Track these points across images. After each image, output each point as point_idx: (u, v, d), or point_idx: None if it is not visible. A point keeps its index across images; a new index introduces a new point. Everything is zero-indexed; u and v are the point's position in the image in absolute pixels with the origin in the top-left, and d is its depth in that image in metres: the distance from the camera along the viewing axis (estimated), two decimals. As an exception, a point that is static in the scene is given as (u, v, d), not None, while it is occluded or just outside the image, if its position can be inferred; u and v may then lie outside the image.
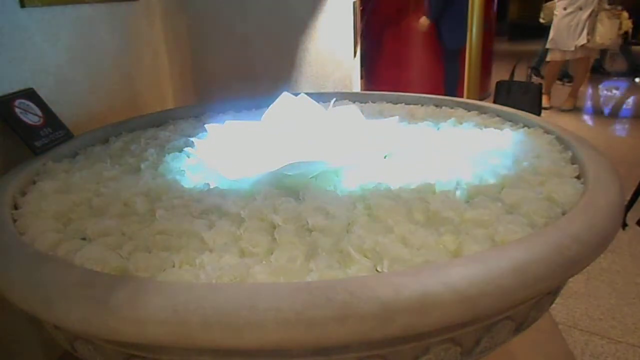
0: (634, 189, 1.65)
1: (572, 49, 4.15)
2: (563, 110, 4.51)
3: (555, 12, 4.21)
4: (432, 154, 1.07)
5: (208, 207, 0.85)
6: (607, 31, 4.10)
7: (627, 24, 4.20)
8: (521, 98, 3.49)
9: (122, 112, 1.61)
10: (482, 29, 2.21)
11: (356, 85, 2.33)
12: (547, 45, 4.32)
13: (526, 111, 1.35)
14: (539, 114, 3.42)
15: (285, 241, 0.72)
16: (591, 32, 4.08)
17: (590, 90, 5.33)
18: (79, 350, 0.72)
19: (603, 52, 5.67)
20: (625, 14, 4.20)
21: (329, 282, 0.59)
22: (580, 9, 4.10)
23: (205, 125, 1.21)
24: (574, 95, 4.55)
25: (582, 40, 4.09)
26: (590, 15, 4.06)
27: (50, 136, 1.19)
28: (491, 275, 0.59)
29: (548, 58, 4.39)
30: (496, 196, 0.85)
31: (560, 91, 4.60)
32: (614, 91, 5.32)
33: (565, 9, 4.15)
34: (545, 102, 4.54)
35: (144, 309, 0.55)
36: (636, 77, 5.60)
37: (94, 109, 1.51)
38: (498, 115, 1.38)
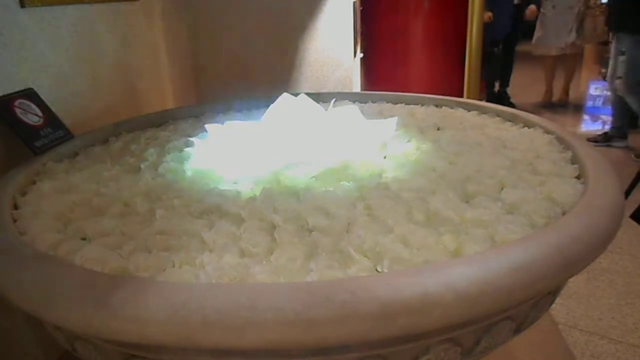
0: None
1: (562, 45, 4.27)
2: (554, 104, 4.64)
3: (542, 10, 4.29)
4: (432, 154, 1.07)
5: (208, 207, 0.85)
6: (594, 28, 4.21)
7: None
8: None
9: (122, 112, 1.61)
10: (482, 28, 2.21)
11: (356, 85, 2.33)
12: (533, 42, 4.44)
13: None
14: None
15: (285, 241, 0.72)
16: (579, 29, 4.18)
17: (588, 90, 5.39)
18: (79, 351, 0.72)
19: None
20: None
21: (328, 282, 0.59)
22: (570, 7, 4.18)
23: (205, 125, 1.21)
24: (565, 90, 4.70)
25: (572, 37, 4.20)
26: (578, 13, 4.16)
27: (50, 136, 1.19)
28: (491, 275, 0.59)
29: (538, 53, 4.54)
30: (496, 196, 0.85)
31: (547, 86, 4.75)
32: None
33: (553, 7, 4.23)
34: (545, 98, 4.65)
35: (144, 309, 0.55)
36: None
37: (94, 109, 1.51)
38: (498, 115, 1.38)
